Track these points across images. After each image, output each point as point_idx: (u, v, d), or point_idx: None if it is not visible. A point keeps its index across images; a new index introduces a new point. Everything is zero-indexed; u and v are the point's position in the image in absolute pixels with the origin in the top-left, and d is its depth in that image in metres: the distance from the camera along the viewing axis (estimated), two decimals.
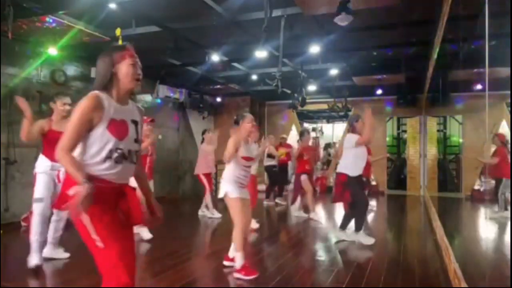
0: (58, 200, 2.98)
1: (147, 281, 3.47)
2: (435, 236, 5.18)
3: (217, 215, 6.65)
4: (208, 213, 6.78)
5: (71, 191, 1.73)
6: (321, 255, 4.40)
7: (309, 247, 4.98)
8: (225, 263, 3.83)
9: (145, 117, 4.79)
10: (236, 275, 3.50)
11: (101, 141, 1.82)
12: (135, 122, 1.97)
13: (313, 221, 6.45)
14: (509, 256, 4.40)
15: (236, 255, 3.57)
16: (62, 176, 3.69)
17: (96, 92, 1.85)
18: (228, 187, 3.60)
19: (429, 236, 5.45)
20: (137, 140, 1.98)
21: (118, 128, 1.86)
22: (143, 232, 4.94)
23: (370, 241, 4.81)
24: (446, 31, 4.29)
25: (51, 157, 3.58)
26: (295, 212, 7.09)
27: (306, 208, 6.85)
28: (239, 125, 3.76)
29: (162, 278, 3.53)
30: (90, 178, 1.73)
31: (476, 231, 6.48)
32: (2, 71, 5.62)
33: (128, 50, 1.94)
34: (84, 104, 1.79)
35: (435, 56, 5.39)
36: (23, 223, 5.52)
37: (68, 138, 1.76)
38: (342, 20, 4.05)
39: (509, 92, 8.15)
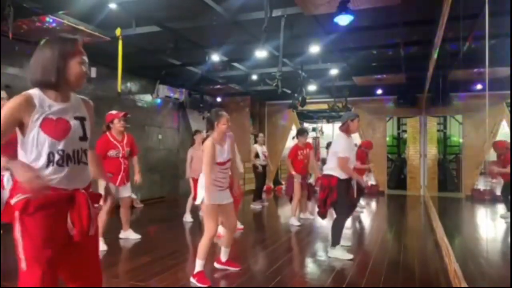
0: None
1: (147, 281, 3.47)
2: (435, 236, 5.19)
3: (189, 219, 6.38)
4: (188, 217, 6.39)
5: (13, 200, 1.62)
6: (321, 255, 4.40)
7: (309, 247, 4.98)
8: (217, 265, 3.78)
9: (113, 112, 4.74)
10: (191, 279, 3.40)
11: (38, 143, 1.63)
12: (80, 118, 1.77)
13: (303, 220, 6.44)
14: (509, 256, 4.40)
15: (196, 262, 3.40)
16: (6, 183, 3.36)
17: (29, 92, 1.67)
18: (205, 193, 3.34)
19: (429, 236, 5.45)
20: (83, 138, 1.77)
21: (55, 127, 1.66)
22: (130, 234, 5.03)
23: (348, 256, 4.22)
24: (446, 31, 4.29)
25: None
26: (293, 220, 6.22)
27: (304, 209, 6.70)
28: (212, 126, 3.39)
29: (162, 278, 3.53)
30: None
31: (476, 231, 6.48)
32: (2, 71, 5.62)
33: (79, 46, 1.76)
34: (11, 104, 1.61)
35: (435, 56, 5.39)
36: None
37: None
38: (342, 20, 4.06)
39: (509, 92, 8.14)
